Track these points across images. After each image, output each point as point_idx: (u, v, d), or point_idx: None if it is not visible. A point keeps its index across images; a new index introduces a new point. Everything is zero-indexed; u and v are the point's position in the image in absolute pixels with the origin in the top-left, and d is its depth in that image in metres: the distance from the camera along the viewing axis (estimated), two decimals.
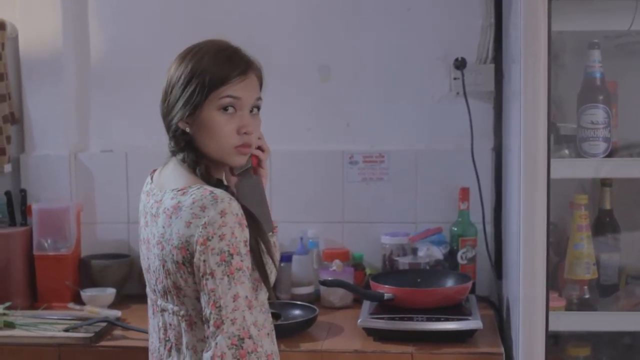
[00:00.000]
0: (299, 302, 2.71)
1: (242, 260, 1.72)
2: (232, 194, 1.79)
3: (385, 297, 2.52)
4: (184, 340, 1.81)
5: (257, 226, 1.81)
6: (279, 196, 2.86)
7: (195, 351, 1.79)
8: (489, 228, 2.88)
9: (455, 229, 2.86)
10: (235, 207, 1.74)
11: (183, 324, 1.81)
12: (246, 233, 1.75)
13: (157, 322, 1.89)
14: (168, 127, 1.87)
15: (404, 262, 2.80)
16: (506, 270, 2.68)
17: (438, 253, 2.83)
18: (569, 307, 2.36)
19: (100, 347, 2.47)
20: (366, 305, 2.59)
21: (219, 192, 1.75)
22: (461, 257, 2.84)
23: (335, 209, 2.98)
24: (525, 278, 2.19)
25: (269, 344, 1.87)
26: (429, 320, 2.43)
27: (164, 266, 1.79)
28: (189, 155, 1.84)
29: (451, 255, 2.85)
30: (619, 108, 2.39)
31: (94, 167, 3.05)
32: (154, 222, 1.82)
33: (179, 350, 1.83)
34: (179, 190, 1.78)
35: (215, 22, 2.93)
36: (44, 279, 2.87)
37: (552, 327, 2.20)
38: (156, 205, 1.83)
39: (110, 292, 2.83)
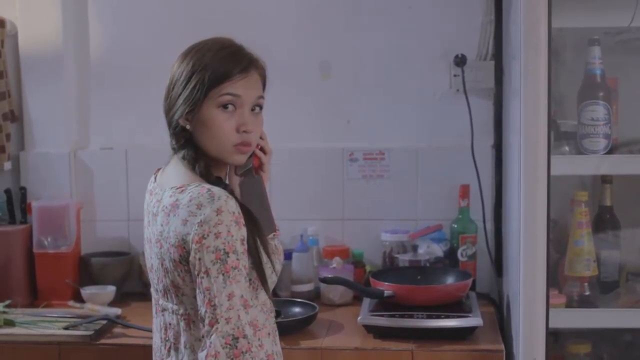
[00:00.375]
0: (299, 300, 2.71)
1: (238, 259, 1.71)
2: (231, 192, 1.77)
3: (386, 295, 2.51)
4: (182, 339, 1.81)
5: (255, 225, 1.79)
6: (279, 193, 2.85)
7: (193, 350, 1.78)
8: (489, 225, 2.88)
9: (456, 226, 2.86)
10: (232, 205, 1.72)
11: (182, 323, 1.80)
12: (243, 231, 1.73)
13: (159, 321, 1.89)
14: (169, 124, 1.86)
15: (404, 259, 2.80)
16: (506, 267, 2.68)
17: (438, 250, 2.83)
18: (569, 304, 2.35)
19: (100, 344, 2.47)
20: (366, 302, 2.59)
21: (216, 190, 1.73)
22: (461, 254, 2.84)
23: (335, 207, 2.98)
24: (525, 275, 2.18)
25: (269, 344, 1.85)
26: (429, 317, 2.43)
27: (162, 265, 1.79)
28: (189, 153, 1.83)
29: (451, 252, 2.85)
30: (620, 105, 2.39)
31: (94, 165, 3.04)
32: (154, 221, 1.82)
33: (177, 350, 1.82)
34: (177, 188, 1.78)
35: (215, 21, 2.92)
36: (43, 276, 2.87)
37: (553, 324, 2.19)
38: (157, 204, 1.82)
39: (110, 290, 2.83)
